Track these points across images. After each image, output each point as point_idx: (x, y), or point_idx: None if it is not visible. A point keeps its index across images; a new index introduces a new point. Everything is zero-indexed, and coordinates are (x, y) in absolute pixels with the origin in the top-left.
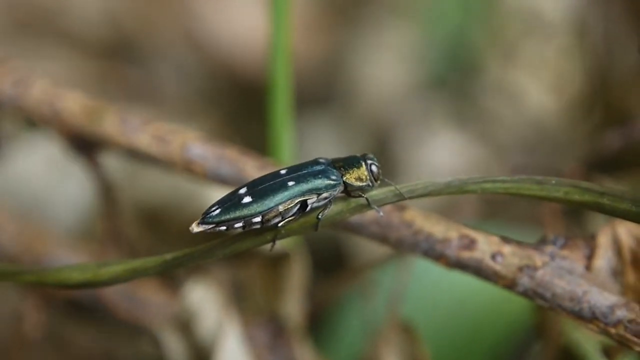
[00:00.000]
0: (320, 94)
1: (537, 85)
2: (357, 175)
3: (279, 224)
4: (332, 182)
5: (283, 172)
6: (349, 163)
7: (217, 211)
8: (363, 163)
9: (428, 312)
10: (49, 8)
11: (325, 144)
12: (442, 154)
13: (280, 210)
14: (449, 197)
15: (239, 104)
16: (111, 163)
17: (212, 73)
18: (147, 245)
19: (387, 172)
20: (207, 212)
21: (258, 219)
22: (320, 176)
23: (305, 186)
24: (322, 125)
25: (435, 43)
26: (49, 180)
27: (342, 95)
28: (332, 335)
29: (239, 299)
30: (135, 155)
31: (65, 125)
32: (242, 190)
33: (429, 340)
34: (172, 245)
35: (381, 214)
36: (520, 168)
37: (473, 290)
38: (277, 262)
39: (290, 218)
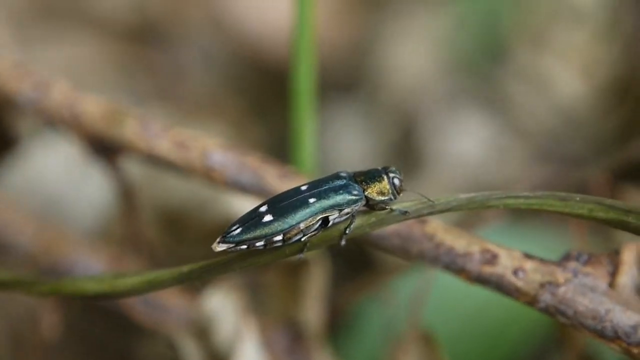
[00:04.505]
0: (347, 79)
1: (567, 72)
2: (378, 189)
3: (301, 240)
4: (354, 198)
5: (304, 188)
6: (370, 177)
7: (238, 230)
8: (385, 176)
9: (447, 320)
10: None
11: (352, 131)
12: (469, 142)
13: (302, 227)
14: None
15: (265, 90)
16: (131, 165)
17: (238, 59)
18: (166, 248)
19: (413, 160)
20: (228, 231)
21: (279, 237)
22: (341, 192)
23: (326, 202)
24: (348, 112)
25: (464, 29)
26: (68, 181)
27: (369, 81)
28: (351, 341)
29: (258, 304)
30: (156, 161)
31: (85, 128)
32: (263, 209)
33: (448, 348)
34: (191, 248)
35: (407, 213)
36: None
37: (492, 298)
38: (297, 267)
39: (311, 234)
